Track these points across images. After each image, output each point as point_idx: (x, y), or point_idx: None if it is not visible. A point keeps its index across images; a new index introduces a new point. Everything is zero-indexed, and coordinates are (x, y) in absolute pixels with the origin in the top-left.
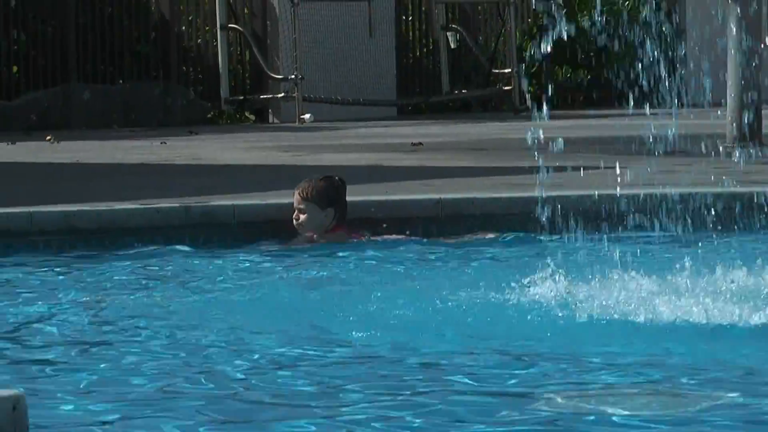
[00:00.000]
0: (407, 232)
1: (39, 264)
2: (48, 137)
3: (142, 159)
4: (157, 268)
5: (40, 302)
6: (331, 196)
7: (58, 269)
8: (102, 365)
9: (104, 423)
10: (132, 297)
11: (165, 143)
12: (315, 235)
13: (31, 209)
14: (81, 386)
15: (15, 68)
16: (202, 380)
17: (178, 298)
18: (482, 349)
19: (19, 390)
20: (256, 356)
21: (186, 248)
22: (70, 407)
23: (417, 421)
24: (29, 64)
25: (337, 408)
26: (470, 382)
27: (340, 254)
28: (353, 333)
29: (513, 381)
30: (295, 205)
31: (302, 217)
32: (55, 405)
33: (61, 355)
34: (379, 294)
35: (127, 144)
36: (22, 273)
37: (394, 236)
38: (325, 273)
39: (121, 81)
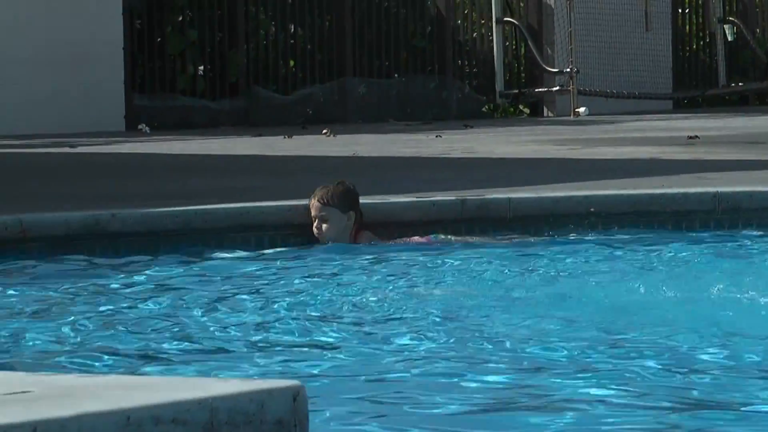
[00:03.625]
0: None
1: (314, 256)
2: (324, 131)
3: (418, 152)
4: (439, 261)
5: (312, 293)
6: (350, 199)
7: (335, 262)
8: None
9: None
10: (409, 288)
11: (440, 136)
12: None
13: (306, 202)
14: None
15: (292, 62)
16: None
17: (476, 291)
18: None
19: (298, 381)
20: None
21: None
22: (352, 396)
23: None
24: (306, 59)
25: None
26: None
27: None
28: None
29: None
30: (314, 213)
31: (324, 225)
32: (336, 397)
33: (340, 350)
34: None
35: (402, 137)
36: (298, 264)
37: (416, 238)
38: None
39: (396, 75)
